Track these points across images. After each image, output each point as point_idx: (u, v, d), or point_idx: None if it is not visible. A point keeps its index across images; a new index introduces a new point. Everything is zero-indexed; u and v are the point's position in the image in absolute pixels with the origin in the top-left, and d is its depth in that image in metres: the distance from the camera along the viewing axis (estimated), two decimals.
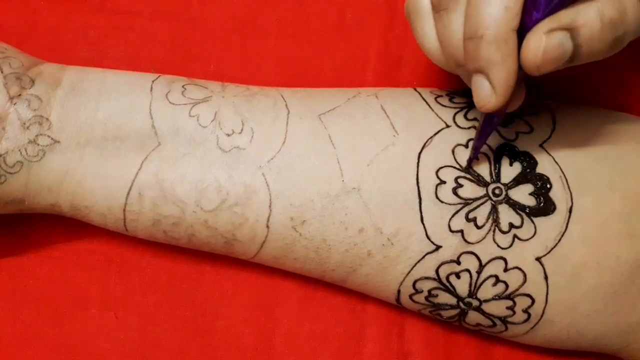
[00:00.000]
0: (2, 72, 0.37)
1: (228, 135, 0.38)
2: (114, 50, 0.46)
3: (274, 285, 0.43)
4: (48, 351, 0.42)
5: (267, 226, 0.38)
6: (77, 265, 0.43)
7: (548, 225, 0.36)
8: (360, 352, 0.43)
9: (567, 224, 0.37)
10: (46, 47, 0.42)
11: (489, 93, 0.32)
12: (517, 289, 0.37)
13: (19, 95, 0.37)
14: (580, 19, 0.31)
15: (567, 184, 0.37)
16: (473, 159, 0.37)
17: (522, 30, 0.31)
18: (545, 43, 0.31)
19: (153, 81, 0.39)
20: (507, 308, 0.37)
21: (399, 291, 0.38)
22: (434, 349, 0.43)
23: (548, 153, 0.38)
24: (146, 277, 0.43)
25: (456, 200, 0.37)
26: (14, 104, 0.36)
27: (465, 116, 0.39)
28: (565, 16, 0.31)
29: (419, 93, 0.40)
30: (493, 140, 0.38)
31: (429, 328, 0.43)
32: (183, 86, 0.39)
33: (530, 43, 0.31)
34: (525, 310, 0.37)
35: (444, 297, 0.38)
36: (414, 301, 0.39)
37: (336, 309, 0.43)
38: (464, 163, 0.37)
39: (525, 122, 0.39)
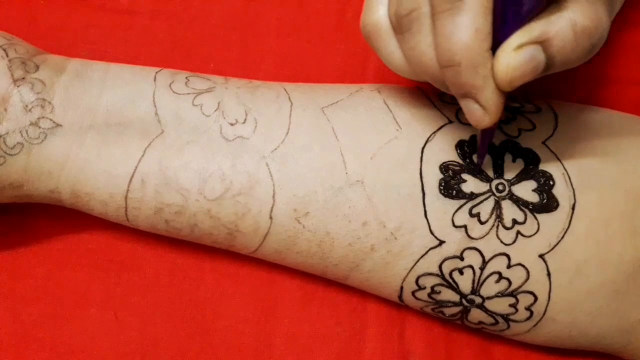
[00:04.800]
0: (7, 56, 0.37)
1: (231, 124, 0.38)
2: (114, 49, 0.46)
3: (275, 285, 0.43)
4: (48, 351, 0.42)
5: (271, 217, 0.37)
6: (77, 265, 0.43)
7: (551, 222, 0.36)
8: (360, 352, 0.43)
9: (570, 221, 0.36)
10: (46, 47, 0.42)
11: (481, 114, 0.32)
12: (520, 286, 0.37)
13: (23, 78, 0.37)
14: (551, 30, 0.30)
15: (570, 181, 0.37)
16: (481, 165, 0.37)
17: (497, 46, 0.31)
18: (516, 59, 0.30)
19: (156, 72, 0.39)
20: (510, 305, 0.37)
21: (401, 288, 0.38)
22: (435, 348, 0.43)
23: (551, 150, 0.38)
24: (146, 277, 0.43)
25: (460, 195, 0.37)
26: (18, 87, 0.36)
27: None
28: (535, 28, 0.30)
29: (422, 90, 0.40)
30: (496, 137, 0.38)
31: (429, 328, 0.43)
32: (186, 77, 0.39)
33: (500, 60, 0.30)
34: (528, 308, 0.37)
35: (447, 294, 0.38)
36: (416, 298, 0.39)
37: (336, 309, 0.43)
38: (466, 159, 0.37)
39: (527, 120, 0.39)
